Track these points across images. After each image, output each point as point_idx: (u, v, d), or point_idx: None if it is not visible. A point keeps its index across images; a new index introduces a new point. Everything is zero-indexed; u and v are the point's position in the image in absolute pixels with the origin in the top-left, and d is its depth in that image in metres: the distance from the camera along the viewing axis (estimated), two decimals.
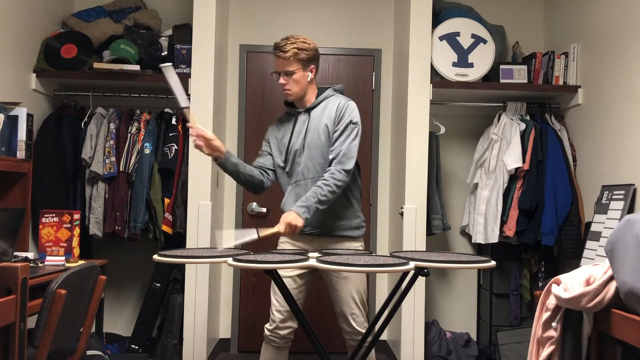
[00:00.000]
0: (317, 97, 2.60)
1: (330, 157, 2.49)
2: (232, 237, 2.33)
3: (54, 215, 2.95)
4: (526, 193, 3.46)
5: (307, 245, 2.59)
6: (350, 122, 2.50)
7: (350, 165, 2.45)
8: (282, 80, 2.52)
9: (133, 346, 3.62)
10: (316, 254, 2.21)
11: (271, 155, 2.66)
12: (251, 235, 2.30)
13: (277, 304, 2.52)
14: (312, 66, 2.56)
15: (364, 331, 2.53)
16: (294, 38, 2.52)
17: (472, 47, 3.62)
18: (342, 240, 2.58)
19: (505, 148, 3.54)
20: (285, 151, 2.60)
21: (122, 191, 3.49)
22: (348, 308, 2.53)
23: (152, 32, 3.74)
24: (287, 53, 2.49)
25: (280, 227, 2.33)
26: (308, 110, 2.59)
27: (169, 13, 3.96)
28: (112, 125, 3.53)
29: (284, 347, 2.56)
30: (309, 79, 2.55)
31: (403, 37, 3.66)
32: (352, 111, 2.52)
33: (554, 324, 1.81)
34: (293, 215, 2.33)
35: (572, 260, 3.40)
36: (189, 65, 3.50)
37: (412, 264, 1.95)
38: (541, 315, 1.87)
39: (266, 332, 2.55)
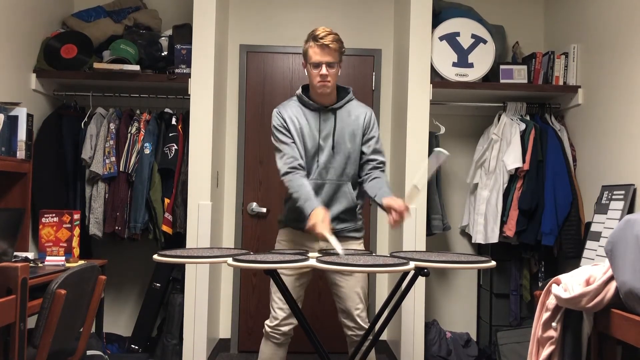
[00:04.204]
0: (338, 97, 2.60)
1: (368, 158, 2.57)
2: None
3: (54, 215, 2.95)
4: (526, 193, 3.45)
5: (313, 244, 2.60)
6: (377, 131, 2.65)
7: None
8: (324, 71, 2.45)
9: (133, 346, 3.62)
10: (316, 254, 2.21)
11: (295, 144, 2.57)
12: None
13: (280, 301, 2.52)
14: (341, 62, 2.58)
15: (366, 326, 2.54)
16: (328, 30, 2.47)
17: (472, 47, 3.62)
18: (347, 240, 2.60)
19: (505, 148, 3.54)
20: (303, 145, 2.55)
21: (122, 191, 3.49)
22: (353, 303, 2.53)
23: (152, 32, 3.74)
24: (332, 44, 2.44)
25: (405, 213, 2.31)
26: (333, 110, 2.57)
27: (169, 13, 3.96)
28: (112, 126, 3.53)
29: (284, 344, 2.56)
30: (338, 74, 2.57)
31: (403, 37, 3.66)
32: (376, 120, 2.66)
33: (554, 324, 1.81)
34: (400, 201, 2.33)
35: (572, 260, 3.40)
36: (189, 65, 3.50)
37: (412, 264, 1.95)
38: (541, 315, 1.87)
39: (267, 328, 2.55)
